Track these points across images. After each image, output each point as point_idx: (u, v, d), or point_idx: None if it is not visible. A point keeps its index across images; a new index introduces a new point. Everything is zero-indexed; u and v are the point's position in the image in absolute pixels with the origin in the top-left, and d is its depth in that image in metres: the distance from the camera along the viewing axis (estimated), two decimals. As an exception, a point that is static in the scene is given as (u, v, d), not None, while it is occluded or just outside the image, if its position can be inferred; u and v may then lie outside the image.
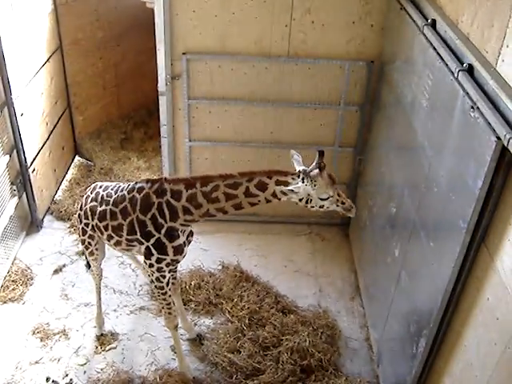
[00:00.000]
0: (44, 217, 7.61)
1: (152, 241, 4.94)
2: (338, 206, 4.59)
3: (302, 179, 4.49)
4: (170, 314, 5.43)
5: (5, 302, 6.36)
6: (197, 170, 7.25)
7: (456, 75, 4.11)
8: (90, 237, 5.44)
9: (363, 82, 6.57)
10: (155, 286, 5.25)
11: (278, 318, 6.21)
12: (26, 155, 6.87)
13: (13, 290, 6.50)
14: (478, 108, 3.73)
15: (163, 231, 4.88)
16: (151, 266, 5.05)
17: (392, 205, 5.62)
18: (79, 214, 5.44)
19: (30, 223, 7.42)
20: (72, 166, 8.69)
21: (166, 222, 4.84)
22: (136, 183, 4.99)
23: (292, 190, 4.47)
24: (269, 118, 6.87)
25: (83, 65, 8.49)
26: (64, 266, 6.90)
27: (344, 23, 6.23)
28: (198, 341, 6.06)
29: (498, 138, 3.42)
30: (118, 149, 8.87)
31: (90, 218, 5.29)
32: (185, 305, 6.30)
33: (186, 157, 7.21)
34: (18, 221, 7.07)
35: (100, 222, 5.19)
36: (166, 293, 5.28)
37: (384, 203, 5.94)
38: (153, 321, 6.25)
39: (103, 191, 5.23)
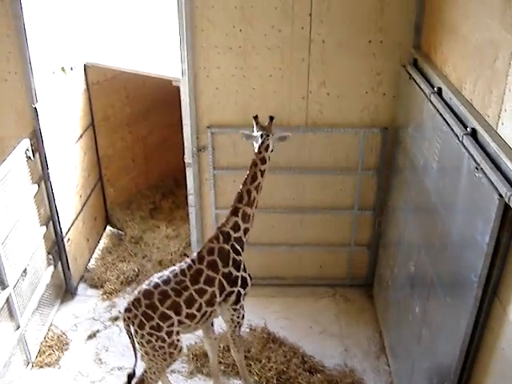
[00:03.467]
0: (78, 284, 7.91)
1: (239, 282, 5.57)
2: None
3: (268, 135, 5.55)
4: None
5: (41, 367, 6.62)
6: (223, 236, 7.53)
7: (461, 138, 4.42)
8: (178, 333, 5.32)
9: (378, 147, 6.88)
10: (240, 326, 5.85)
11: (305, 377, 6.38)
12: (61, 226, 7.23)
13: (49, 355, 6.76)
14: (481, 168, 4.01)
15: (242, 266, 5.60)
16: (241, 307, 5.71)
17: (411, 263, 5.83)
18: (152, 326, 5.15)
19: (64, 291, 7.73)
20: (104, 235, 9.05)
21: (241, 255, 5.59)
22: (200, 252, 5.39)
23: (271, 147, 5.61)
24: (290, 185, 7.19)
25: (113, 139, 8.95)
26: (98, 331, 7.15)
27: (357, 93, 6.59)
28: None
29: (501, 195, 3.69)
30: (148, 218, 9.22)
31: (173, 315, 5.21)
32: (214, 367, 6.52)
33: (213, 224, 7.48)
34: (53, 289, 7.38)
35: (190, 308, 5.28)
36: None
37: (404, 262, 6.14)
38: (184, 383, 6.43)
39: (167, 285, 5.21)
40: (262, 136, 5.54)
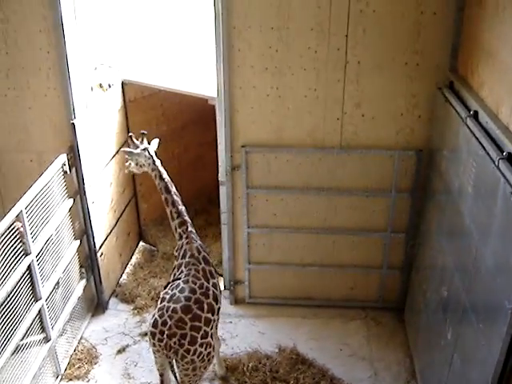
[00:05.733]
0: (109, 299, 7.97)
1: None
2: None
3: (148, 148, 6.18)
4: None
5: (70, 380, 6.68)
6: (255, 255, 7.57)
7: (497, 163, 4.36)
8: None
9: (413, 169, 6.83)
10: None
11: (333, 400, 6.32)
12: (95, 240, 7.32)
13: (78, 367, 6.82)
14: (517, 194, 3.97)
15: None
16: None
17: (444, 288, 5.75)
18: (202, 335, 5.22)
19: (96, 305, 7.80)
20: (136, 250, 9.13)
21: None
22: (192, 254, 5.69)
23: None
24: (323, 206, 7.17)
25: (149, 156, 9.04)
26: (127, 346, 7.18)
27: (392, 115, 6.57)
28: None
29: (536, 221, 3.64)
30: (180, 235, 9.25)
31: (211, 316, 5.40)
32: (242, 386, 6.52)
33: (244, 243, 7.51)
34: (85, 302, 7.46)
35: (217, 303, 5.63)
36: None
37: (436, 287, 6.06)
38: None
39: (195, 294, 5.35)
40: (145, 149, 6.11)
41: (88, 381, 6.68)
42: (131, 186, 8.84)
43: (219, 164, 7.09)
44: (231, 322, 7.58)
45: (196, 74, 8.41)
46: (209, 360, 5.35)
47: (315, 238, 7.39)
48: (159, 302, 5.37)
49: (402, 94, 6.47)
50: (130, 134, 6.34)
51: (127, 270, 8.68)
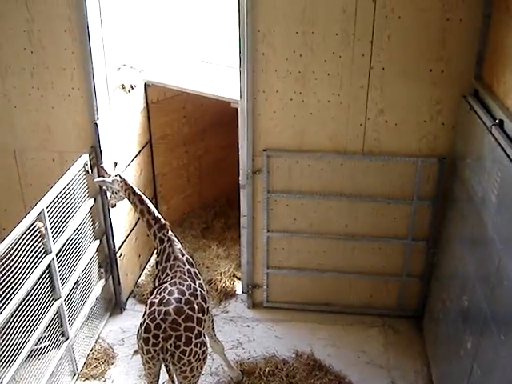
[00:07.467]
0: (127, 299, 7.99)
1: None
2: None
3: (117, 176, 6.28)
4: None
5: (87, 379, 6.70)
6: (274, 259, 7.55)
7: (522, 173, 4.32)
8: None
9: (435, 177, 6.76)
10: None
11: (349, 407, 6.28)
12: (114, 241, 7.35)
13: (95, 367, 6.83)
14: (543, 205, 3.91)
15: None
16: None
17: (464, 297, 5.69)
18: (196, 335, 5.20)
19: (114, 305, 7.83)
20: (155, 252, 9.10)
21: None
22: (176, 256, 5.72)
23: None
24: (343, 212, 7.13)
25: (170, 158, 9.09)
26: (144, 347, 7.18)
27: (416, 122, 6.52)
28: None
29: (562, 233, 3.58)
30: (199, 237, 9.28)
31: (201, 316, 5.39)
32: (258, 391, 6.52)
33: (263, 246, 7.49)
34: (103, 302, 7.49)
35: (206, 303, 5.62)
36: None
37: (457, 296, 6.00)
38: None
39: (185, 295, 5.33)
40: (116, 175, 6.24)
41: (104, 381, 6.69)
42: (152, 188, 8.86)
43: (240, 167, 7.08)
44: (248, 326, 7.57)
45: (219, 76, 8.42)
46: (204, 359, 5.36)
47: (335, 243, 7.35)
48: (148, 308, 5.27)
49: (425, 100, 6.42)
50: (102, 164, 6.63)
51: (145, 270, 8.71)
